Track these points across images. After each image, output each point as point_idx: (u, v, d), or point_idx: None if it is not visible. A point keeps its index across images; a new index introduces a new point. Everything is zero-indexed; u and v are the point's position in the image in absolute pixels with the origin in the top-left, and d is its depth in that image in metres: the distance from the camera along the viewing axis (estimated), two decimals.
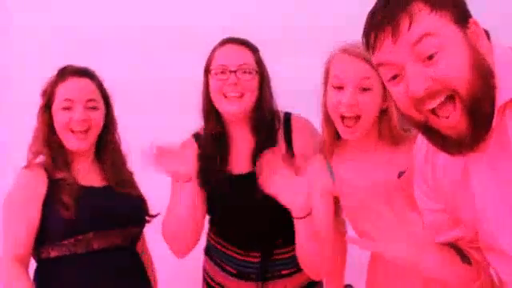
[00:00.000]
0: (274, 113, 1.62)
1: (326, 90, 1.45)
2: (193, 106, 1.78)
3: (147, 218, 1.70)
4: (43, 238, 1.50)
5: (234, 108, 1.54)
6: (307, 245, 1.44)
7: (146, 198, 1.72)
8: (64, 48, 2.08)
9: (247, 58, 1.56)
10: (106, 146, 1.68)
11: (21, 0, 2.37)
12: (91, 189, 1.58)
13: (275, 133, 1.60)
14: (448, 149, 0.99)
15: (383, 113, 1.41)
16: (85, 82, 1.61)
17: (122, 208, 1.59)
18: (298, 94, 1.66)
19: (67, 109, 1.56)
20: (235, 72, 1.52)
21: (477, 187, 1.02)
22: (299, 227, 1.42)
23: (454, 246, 1.13)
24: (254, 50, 1.59)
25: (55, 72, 1.62)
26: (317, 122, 1.56)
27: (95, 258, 1.50)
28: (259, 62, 1.59)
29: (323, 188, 1.48)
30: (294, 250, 1.61)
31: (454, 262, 1.11)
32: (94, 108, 1.60)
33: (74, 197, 1.49)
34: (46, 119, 1.57)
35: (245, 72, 1.53)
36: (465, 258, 1.13)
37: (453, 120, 0.94)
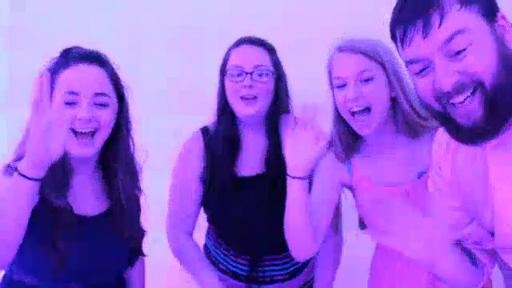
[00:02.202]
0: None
1: (333, 93, 1.45)
2: (192, 106, 1.78)
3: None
4: (18, 259, 1.21)
5: (249, 110, 1.52)
6: (296, 213, 1.41)
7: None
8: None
9: (263, 59, 1.54)
10: (115, 154, 1.35)
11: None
12: (86, 222, 1.30)
13: None
14: (462, 138, 0.99)
15: (394, 103, 1.41)
16: (93, 70, 1.29)
17: (114, 257, 1.34)
18: (300, 94, 1.65)
19: (69, 104, 1.24)
20: (251, 74, 1.51)
21: (496, 186, 1.02)
22: (290, 188, 1.39)
23: (463, 248, 1.14)
24: (270, 50, 1.57)
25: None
26: (321, 122, 1.56)
27: None
28: (276, 64, 1.57)
29: (332, 176, 1.49)
30: (285, 257, 1.63)
31: (465, 264, 1.12)
32: (104, 105, 1.28)
33: (68, 242, 1.23)
34: None
35: (261, 74, 1.52)
36: (473, 259, 1.14)
37: (469, 107, 0.94)
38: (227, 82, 1.55)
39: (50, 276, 1.25)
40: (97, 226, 1.32)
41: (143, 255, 1.49)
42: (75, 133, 1.25)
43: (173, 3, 2.25)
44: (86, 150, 1.27)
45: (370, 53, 1.38)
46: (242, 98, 1.52)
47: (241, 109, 1.53)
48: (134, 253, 1.43)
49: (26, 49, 2.27)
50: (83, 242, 1.27)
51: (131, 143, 1.39)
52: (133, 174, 1.40)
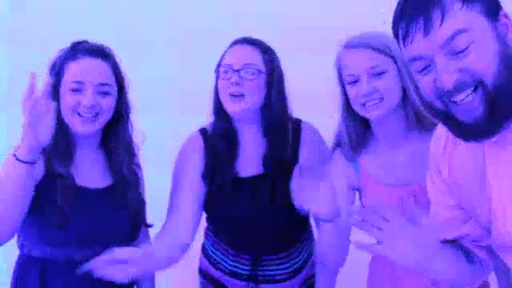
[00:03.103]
0: (286, 115, 1.60)
1: (343, 90, 1.46)
2: (192, 106, 1.78)
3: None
4: (25, 230, 1.41)
5: (236, 108, 1.53)
6: (330, 244, 1.44)
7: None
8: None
9: (254, 57, 1.55)
10: (116, 135, 1.53)
11: None
12: (88, 194, 1.45)
13: (287, 136, 1.59)
14: (463, 135, 0.99)
15: (405, 96, 1.41)
16: (98, 63, 1.45)
17: (115, 226, 1.46)
18: (303, 94, 1.65)
19: (76, 91, 1.42)
20: (238, 71, 1.52)
21: (495, 185, 1.02)
22: (326, 228, 1.41)
23: (460, 246, 1.14)
24: (264, 50, 1.57)
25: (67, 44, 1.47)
26: (323, 122, 1.56)
27: (75, 267, 1.38)
28: (269, 63, 1.57)
29: (346, 180, 1.49)
30: (284, 257, 1.63)
31: (461, 263, 1.11)
32: (106, 93, 1.45)
33: (70, 204, 1.38)
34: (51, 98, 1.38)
35: (248, 72, 1.53)
36: (469, 257, 1.13)
37: (470, 105, 0.94)
38: (218, 81, 1.57)
39: (55, 238, 1.38)
40: (99, 198, 1.47)
41: (148, 226, 1.60)
42: (80, 115, 1.43)
43: (173, 3, 2.25)
44: (88, 128, 1.44)
45: (380, 47, 1.38)
46: (230, 94, 1.53)
47: (228, 106, 1.54)
48: (138, 222, 1.54)
49: (26, 49, 2.27)
50: (86, 211, 1.41)
51: (130, 127, 1.56)
52: (131, 153, 1.56)
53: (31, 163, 1.28)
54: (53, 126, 1.30)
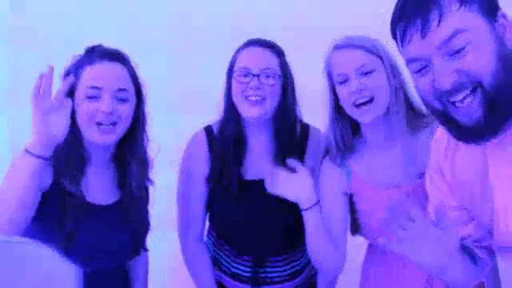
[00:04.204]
0: (296, 119, 1.61)
1: (332, 93, 1.47)
2: (192, 106, 1.78)
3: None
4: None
5: (255, 111, 1.51)
6: (316, 237, 1.46)
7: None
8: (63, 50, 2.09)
9: (271, 61, 1.54)
10: (130, 148, 1.43)
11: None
12: (94, 210, 1.37)
13: (295, 140, 1.60)
14: (462, 137, 0.99)
15: (395, 98, 1.42)
16: (115, 67, 1.37)
17: (118, 245, 1.41)
18: (302, 94, 1.65)
19: (92, 98, 1.33)
20: (258, 76, 1.51)
21: (496, 186, 1.02)
22: (307, 218, 1.47)
23: (463, 246, 1.14)
24: (278, 53, 1.57)
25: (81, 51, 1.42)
26: (323, 122, 1.56)
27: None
28: (283, 66, 1.57)
29: (337, 187, 1.50)
30: (287, 259, 1.65)
31: (466, 263, 1.12)
32: (124, 100, 1.36)
33: (76, 224, 1.31)
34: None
35: (268, 76, 1.52)
36: (473, 258, 1.14)
37: (469, 107, 0.94)
38: (234, 83, 1.54)
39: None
40: (107, 215, 1.40)
41: (145, 250, 1.55)
42: (97, 124, 1.34)
43: (173, 3, 2.25)
44: (106, 138, 1.35)
45: (368, 47, 1.40)
46: (247, 98, 1.52)
47: (246, 110, 1.52)
48: (138, 245, 1.49)
49: (26, 49, 2.27)
50: (91, 228, 1.34)
51: (145, 138, 1.47)
52: (145, 166, 1.48)
53: (43, 158, 1.21)
54: (67, 123, 1.25)
